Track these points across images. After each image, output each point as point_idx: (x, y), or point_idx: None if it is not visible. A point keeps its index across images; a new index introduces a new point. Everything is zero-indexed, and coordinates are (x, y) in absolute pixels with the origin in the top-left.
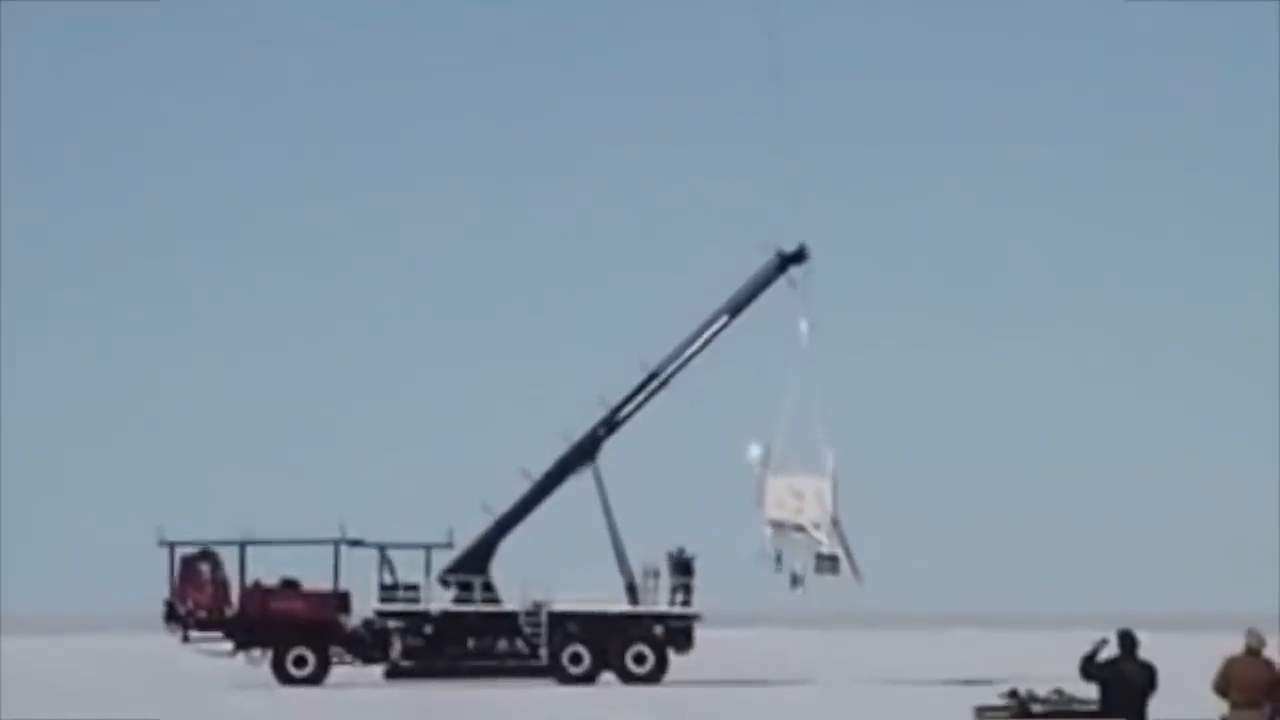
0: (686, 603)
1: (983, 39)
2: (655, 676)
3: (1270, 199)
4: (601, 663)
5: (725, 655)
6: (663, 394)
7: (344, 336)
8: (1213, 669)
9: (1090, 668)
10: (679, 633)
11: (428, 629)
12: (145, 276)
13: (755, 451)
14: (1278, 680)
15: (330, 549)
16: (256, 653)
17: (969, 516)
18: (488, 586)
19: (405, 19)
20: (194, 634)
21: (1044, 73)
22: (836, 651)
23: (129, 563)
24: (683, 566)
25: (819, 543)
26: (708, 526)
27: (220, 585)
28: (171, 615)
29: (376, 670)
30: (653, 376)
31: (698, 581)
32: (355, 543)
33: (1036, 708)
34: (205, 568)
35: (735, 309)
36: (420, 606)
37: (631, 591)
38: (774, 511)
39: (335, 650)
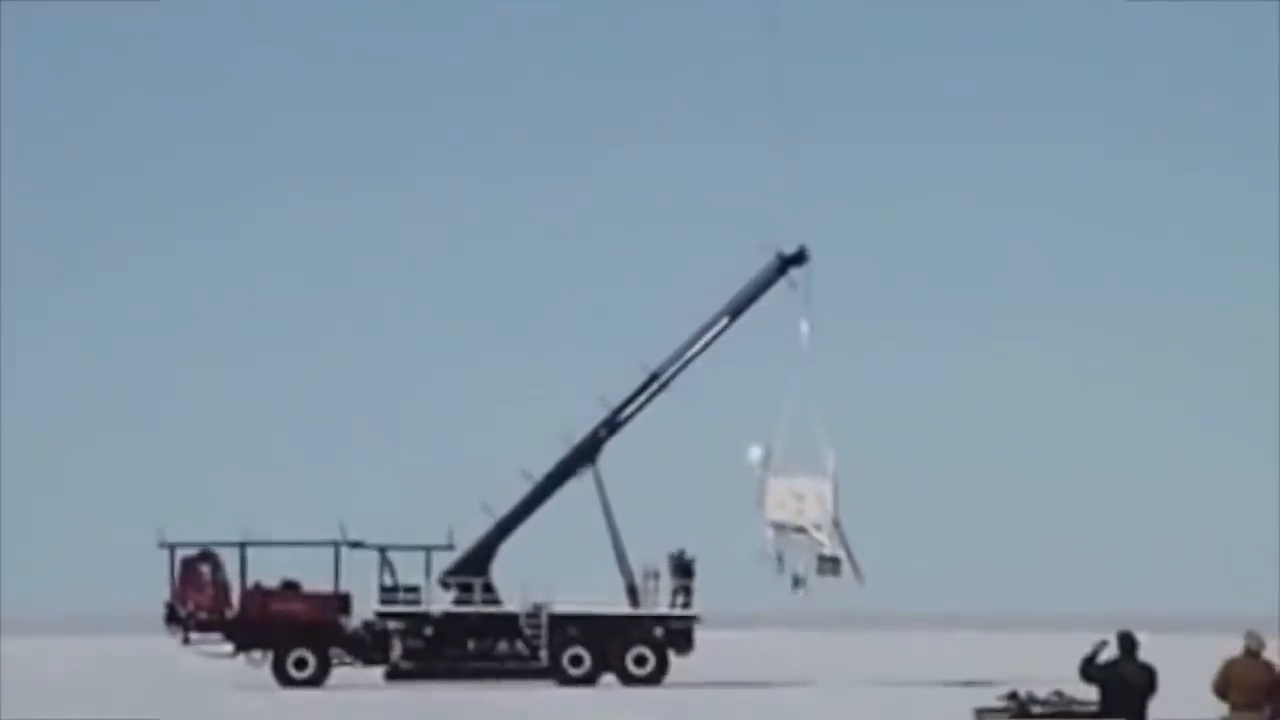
0: (687, 604)
1: (983, 39)
2: (656, 678)
3: (1270, 199)
4: (602, 664)
5: (726, 657)
6: (663, 395)
7: (344, 337)
8: (1212, 670)
9: (1090, 669)
10: (679, 634)
11: (428, 631)
12: (145, 276)
13: (756, 453)
14: (1277, 682)
15: (331, 550)
16: (257, 654)
17: (969, 517)
18: (488, 588)
19: (406, 19)
20: (194, 635)
21: (1044, 73)
22: (837, 653)
23: (129, 564)
24: (683, 568)
25: (820, 544)
26: (708, 528)
27: (221, 587)
28: (172, 617)
29: (377, 672)
30: (653, 378)
31: (698, 583)
32: (356, 544)
33: (1036, 709)
34: (206, 569)
35: (736, 310)
36: (421, 608)
37: (632, 593)
38: (775, 513)
39: (336, 652)
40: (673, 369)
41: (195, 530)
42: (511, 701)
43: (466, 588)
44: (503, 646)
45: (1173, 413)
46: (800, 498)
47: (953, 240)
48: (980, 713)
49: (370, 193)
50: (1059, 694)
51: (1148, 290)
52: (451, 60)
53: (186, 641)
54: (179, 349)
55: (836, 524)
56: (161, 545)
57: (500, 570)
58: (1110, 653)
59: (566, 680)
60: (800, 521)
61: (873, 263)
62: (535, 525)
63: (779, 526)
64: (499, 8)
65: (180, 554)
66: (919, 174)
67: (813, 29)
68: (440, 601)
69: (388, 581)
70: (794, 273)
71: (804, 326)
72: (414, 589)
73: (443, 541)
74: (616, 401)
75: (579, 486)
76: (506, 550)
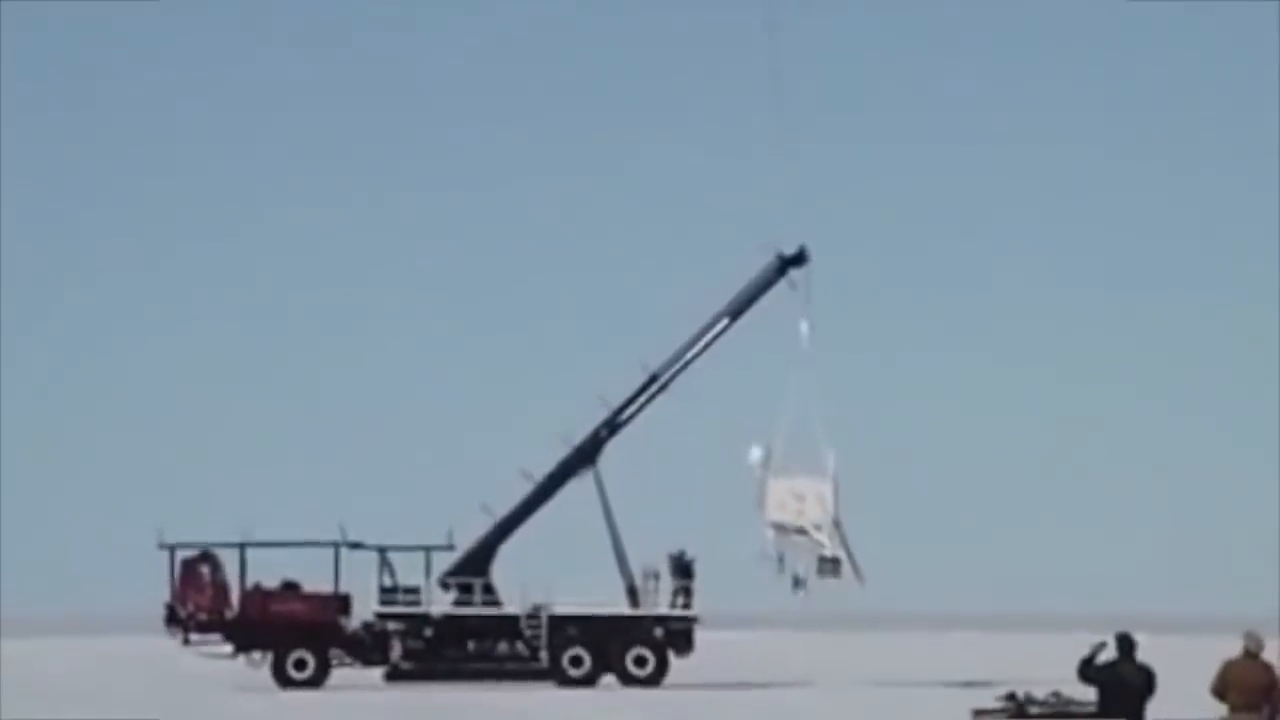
0: (687, 605)
1: (983, 39)
2: (655, 679)
3: (1270, 199)
4: (602, 665)
5: (726, 657)
6: (664, 396)
7: (344, 337)
8: (1211, 672)
9: (1088, 670)
10: (679, 635)
11: (428, 631)
12: (145, 276)
13: (756, 454)
14: (1275, 683)
15: (330, 551)
16: (257, 655)
17: (968, 517)
18: (488, 589)
19: (406, 20)
20: (194, 636)
21: (1044, 73)
22: (837, 653)
23: (129, 565)
24: (683, 569)
25: (820, 545)
26: (708, 529)
27: (220, 588)
28: (172, 618)
29: (376, 673)
30: (653, 379)
31: (698, 584)
32: (355, 545)
33: (1034, 710)
34: (205, 570)
35: (736, 311)
36: (420, 609)
37: (632, 594)
38: (775, 514)
39: (335, 653)
40: (673, 370)
41: (195, 531)
42: (511, 702)
43: (466, 588)
44: (503, 647)
45: (1173, 413)
46: (800, 498)
47: (952, 240)
48: (978, 714)
49: (370, 193)
50: (1057, 695)
51: (1148, 290)
52: (451, 60)
53: (186, 642)
54: (179, 349)
55: (837, 524)
56: (161, 546)
57: (500, 571)
58: (1108, 654)
59: (566, 681)
60: (800, 522)
61: (873, 263)
62: (535, 526)
63: (779, 527)
64: (499, 8)
65: (180, 555)
66: (919, 174)
67: (813, 29)
68: (440, 602)
69: (387, 582)
70: (794, 273)
71: (804, 327)
72: (414, 590)
73: (443, 542)
74: (617, 402)
75: (579, 487)
76: (506, 551)
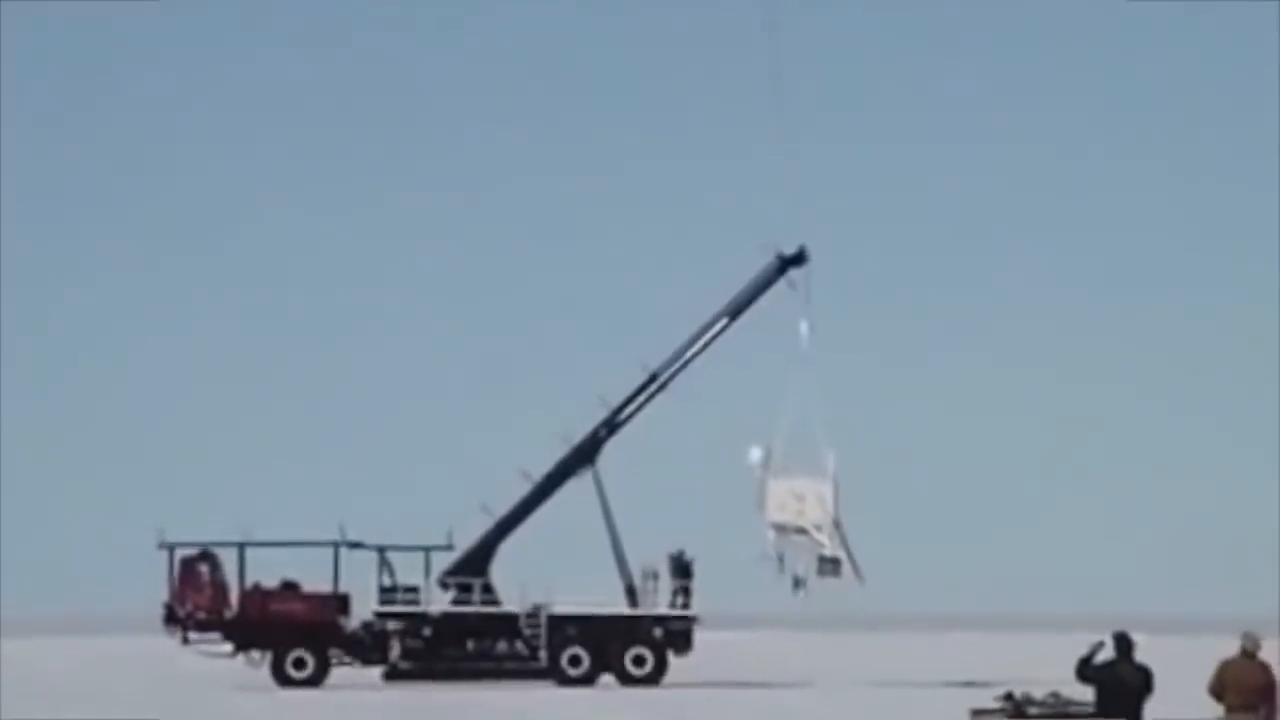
0: (686, 605)
1: (983, 39)
2: (654, 679)
3: (1270, 199)
4: (601, 665)
5: (725, 657)
6: (663, 396)
7: (343, 337)
8: (1209, 672)
9: (1086, 670)
10: (678, 635)
11: (427, 631)
12: (145, 277)
13: (756, 454)
14: (1273, 683)
15: (330, 551)
16: (256, 654)
17: (968, 518)
18: (487, 588)
19: (406, 21)
20: (193, 636)
21: (1044, 73)
22: (836, 654)
23: (129, 564)
24: (682, 569)
25: (821, 545)
26: (707, 529)
27: (220, 587)
28: (171, 617)
29: (375, 672)
30: (653, 378)
31: (697, 584)
32: (355, 545)
33: (1032, 710)
34: (205, 569)
35: (735, 311)
36: (420, 608)
37: (631, 594)
38: (775, 514)
39: (334, 652)
40: (672, 369)
41: (194, 530)
42: (510, 702)
43: (465, 588)
44: (502, 647)
45: (1173, 413)
46: (801, 499)
47: (952, 240)
48: (976, 714)
49: (370, 194)
50: (1055, 695)
51: (1148, 290)
52: (451, 60)
53: (185, 641)
54: (178, 349)
55: (837, 525)
56: (161, 545)
57: (499, 570)
58: (1106, 654)
59: (565, 680)
60: (801, 523)
61: (873, 263)
62: (534, 526)
63: (780, 528)
64: (499, 8)
65: (179, 554)
66: (919, 174)
67: (813, 29)
68: (439, 602)
69: (386, 582)
70: (793, 273)
71: (804, 327)
72: (413, 589)
73: (442, 542)
74: (616, 402)
75: (578, 487)
76: (506, 550)
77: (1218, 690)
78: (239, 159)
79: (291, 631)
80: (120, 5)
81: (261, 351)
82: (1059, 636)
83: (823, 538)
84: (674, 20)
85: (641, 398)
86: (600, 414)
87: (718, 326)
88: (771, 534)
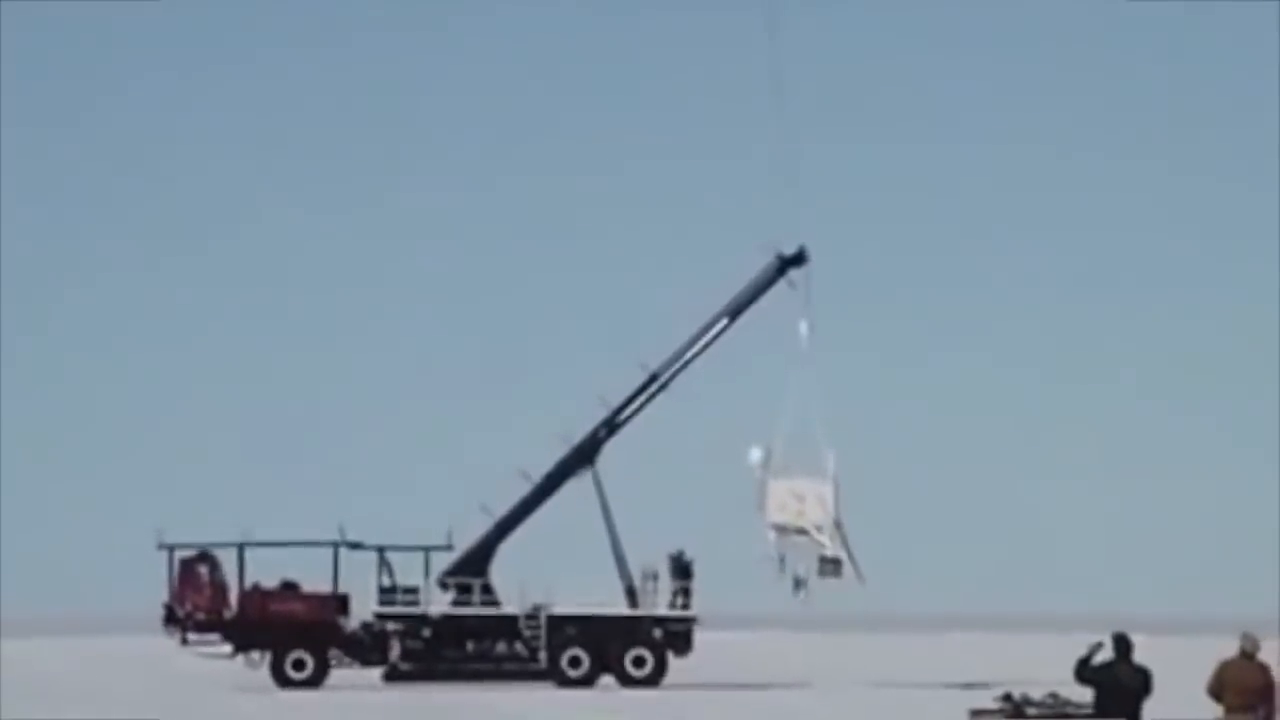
0: (685, 606)
1: (983, 39)
2: (654, 679)
3: (1270, 199)
4: (600, 666)
5: (724, 658)
6: (663, 396)
7: (343, 338)
8: (1209, 672)
9: (1085, 671)
10: (678, 636)
11: (426, 632)
12: (145, 277)
13: (756, 455)
14: (1271, 684)
15: (329, 551)
16: (255, 655)
17: (966, 519)
18: (487, 589)
19: (406, 23)
20: (193, 636)
21: (1044, 73)
22: (835, 654)
23: (128, 565)
24: (682, 569)
25: (821, 545)
26: (707, 529)
27: (219, 587)
28: (170, 618)
29: (375, 673)
30: (653, 379)
31: (697, 584)
32: (354, 545)
33: (1031, 711)
34: (204, 570)
35: (735, 311)
36: (419, 609)
37: (631, 594)
38: (776, 515)
39: (334, 653)
40: (672, 370)
41: (194, 531)
42: (510, 703)
43: (465, 589)
44: (501, 648)
45: (1173, 413)
46: (801, 499)
47: (952, 241)
48: (975, 714)
49: (370, 194)
50: (1054, 695)
51: (1148, 290)
52: (451, 60)
53: (185, 642)
54: (178, 349)
55: (838, 525)
56: (160, 546)
57: (499, 571)
58: (1105, 655)
59: (565, 681)
60: (801, 523)
61: (872, 263)
62: (534, 526)
63: (780, 528)
64: (498, 8)
65: (179, 555)
66: (919, 175)
67: (813, 30)
68: (439, 602)
69: (386, 582)
70: (793, 273)
71: (803, 327)
72: (412, 590)
73: (441, 542)
74: (616, 402)
75: (578, 487)
76: (505, 551)
77: (1216, 691)
78: (239, 159)
79: (291, 632)
80: (120, 5)
81: (261, 351)
82: (1058, 637)
83: (823, 538)
84: (674, 20)
85: (641, 398)
86: (600, 414)
87: (718, 327)
88: (772, 535)
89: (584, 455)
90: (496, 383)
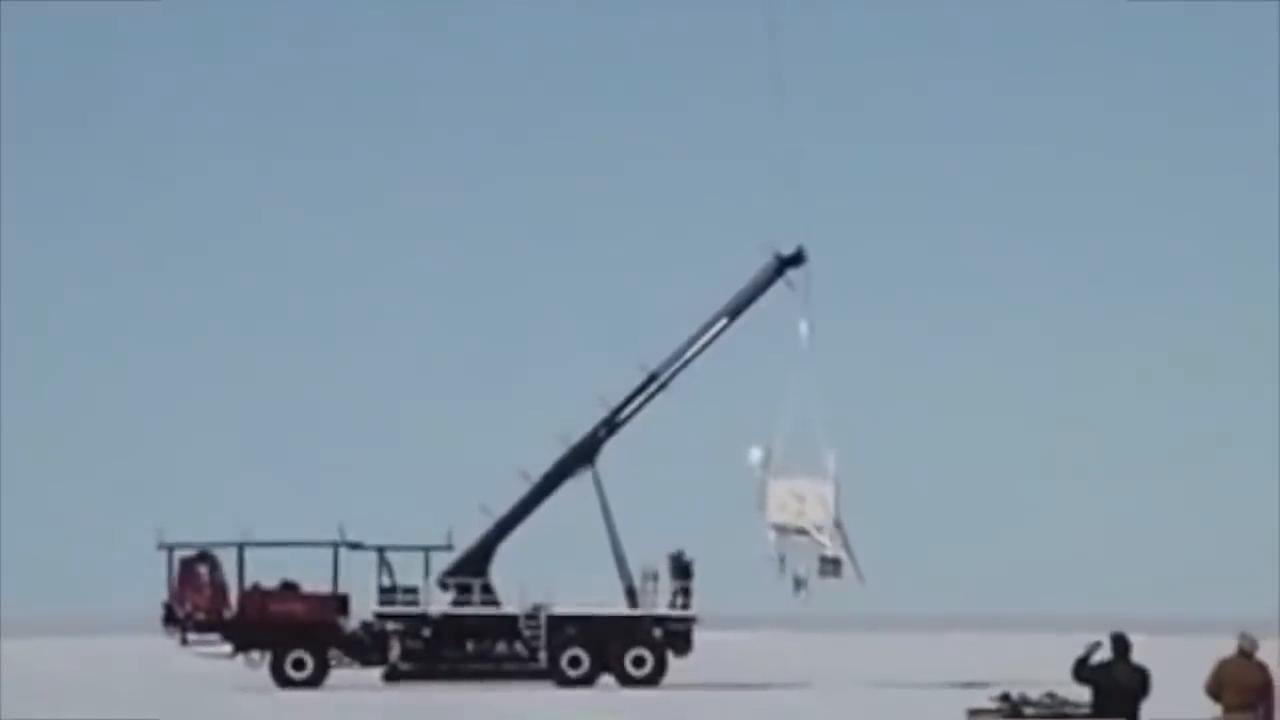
0: (685, 605)
1: (983, 39)
2: (654, 679)
3: (1270, 199)
4: (600, 665)
5: (724, 658)
6: (662, 396)
7: (343, 338)
8: (1207, 672)
9: (1083, 671)
10: (678, 635)
11: (426, 631)
12: (145, 277)
13: (756, 455)
14: (1270, 683)
15: (329, 551)
16: (255, 655)
17: (965, 519)
18: (487, 589)
19: (406, 23)
20: (193, 636)
21: (1044, 73)
22: (835, 654)
23: (128, 565)
24: (682, 569)
25: (822, 545)
26: (707, 529)
27: (219, 587)
28: (170, 618)
29: (375, 673)
30: (652, 379)
31: (696, 584)
32: (354, 545)
33: (1029, 710)
34: (204, 570)
35: (735, 311)
36: (419, 609)
37: (630, 594)
38: (776, 515)
39: (334, 653)
40: (672, 370)
41: (194, 531)
42: (510, 703)
43: (465, 589)
44: (501, 647)
45: (1173, 413)
46: (801, 499)
47: (952, 240)
48: (973, 714)
49: (370, 194)
50: (1051, 695)
51: (1148, 290)
52: (451, 60)
53: (185, 642)
54: (178, 350)
55: (838, 525)
56: (160, 546)
57: (499, 571)
58: (1103, 654)
59: (565, 681)
60: (801, 523)
61: (872, 263)
62: (534, 526)
63: (780, 528)
64: (499, 8)
65: (179, 555)
66: (918, 175)
67: (813, 30)
68: (439, 602)
69: (386, 582)
70: (792, 274)
71: (803, 327)
72: (412, 590)
73: (441, 542)
74: (615, 402)
75: (578, 487)
76: (505, 551)
77: (1215, 690)
78: (239, 159)
79: (291, 632)
80: (120, 5)
81: (261, 351)
82: (1057, 637)
83: (823, 538)
84: (674, 20)
85: (641, 398)
86: (600, 414)
87: (717, 327)
88: (772, 535)
89: (584, 455)
90: (496, 383)
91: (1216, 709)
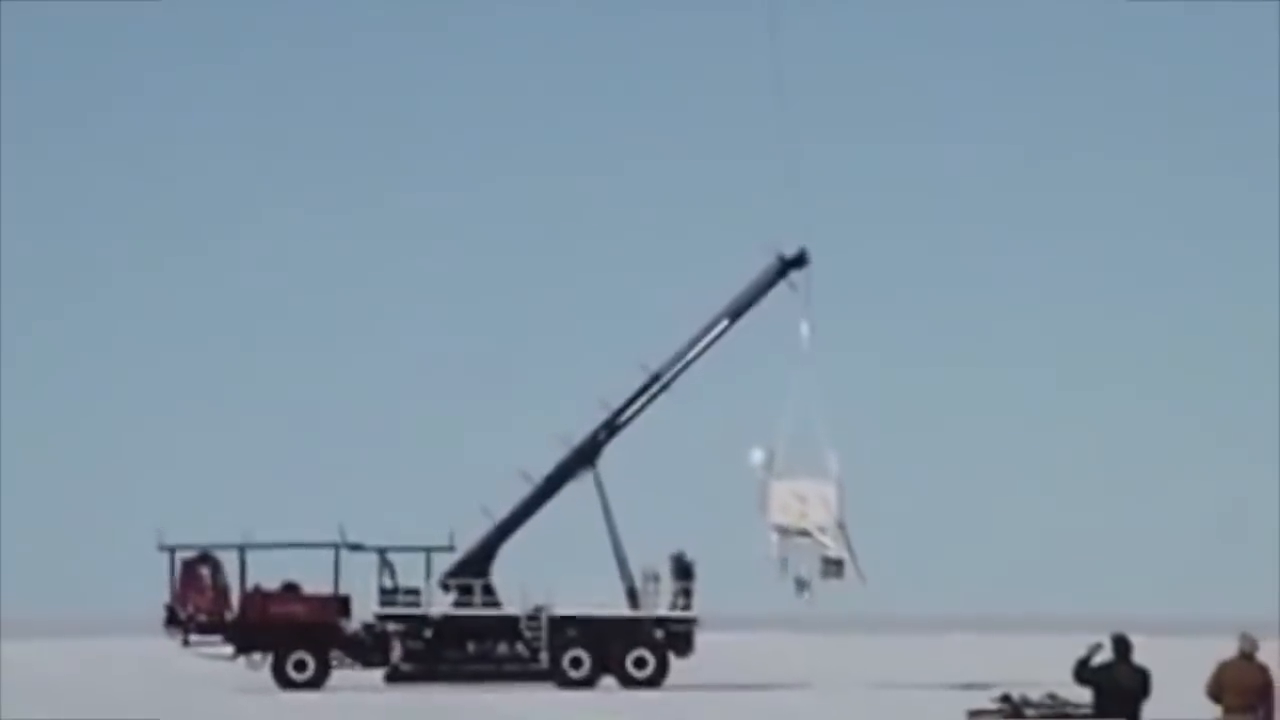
0: (687, 606)
1: (983, 39)
2: (655, 680)
3: (1270, 199)
4: (602, 667)
5: (725, 659)
6: (664, 397)
7: (344, 339)
8: (1208, 673)
9: (1084, 672)
10: (679, 636)
11: (428, 633)
12: (145, 277)
13: (758, 456)
14: (1270, 684)
15: (330, 553)
16: (257, 656)
17: (967, 520)
18: (488, 590)
19: (406, 23)
20: (194, 638)
21: (1044, 73)
22: (836, 655)
23: (129, 566)
24: (683, 570)
25: (824, 547)
26: (708, 530)
27: (220, 589)
28: (172, 619)
29: (377, 674)
30: (654, 380)
31: (698, 585)
32: (355, 546)
33: (1029, 712)
34: (206, 571)
35: (736, 312)
36: (420, 610)
37: (632, 595)
38: (778, 516)
39: (335, 654)
40: (673, 371)
41: (195, 532)
42: (511, 704)
43: (466, 590)
44: (503, 649)
45: (1173, 413)
46: (804, 500)
47: (954, 241)
48: (973, 715)
49: (370, 194)
50: (1052, 696)
51: (1148, 290)
52: (451, 60)
53: (186, 644)
54: (179, 351)
55: (841, 526)
56: (161, 548)
57: (500, 572)
58: (1104, 656)
59: (566, 682)
60: (804, 525)
61: (874, 264)
62: (535, 527)
63: (783, 530)
64: (499, 8)
65: (180, 556)
66: (920, 175)
67: (814, 30)
68: (440, 604)
69: (387, 584)
70: (794, 275)
71: (805, 328)
72: (414, 591)
73: (443, 543)
74: (616, 403)
75: (579, 489)
76: (506, 552)
77: (1216, 692)
78: (239, 159)
79: (292, 633)
80: (120, 5)
81: (261, 352)
82: (1058, 638)
83: (826, 540)
84: (674, 20)
85: (642, 399)
86: (601, 416)
87: (719, 328)
88: (774, 536)
89: (585, 456)
90: (497, 384)
91: (1217, 711)
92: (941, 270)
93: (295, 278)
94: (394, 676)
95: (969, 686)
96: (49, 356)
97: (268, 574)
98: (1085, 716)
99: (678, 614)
